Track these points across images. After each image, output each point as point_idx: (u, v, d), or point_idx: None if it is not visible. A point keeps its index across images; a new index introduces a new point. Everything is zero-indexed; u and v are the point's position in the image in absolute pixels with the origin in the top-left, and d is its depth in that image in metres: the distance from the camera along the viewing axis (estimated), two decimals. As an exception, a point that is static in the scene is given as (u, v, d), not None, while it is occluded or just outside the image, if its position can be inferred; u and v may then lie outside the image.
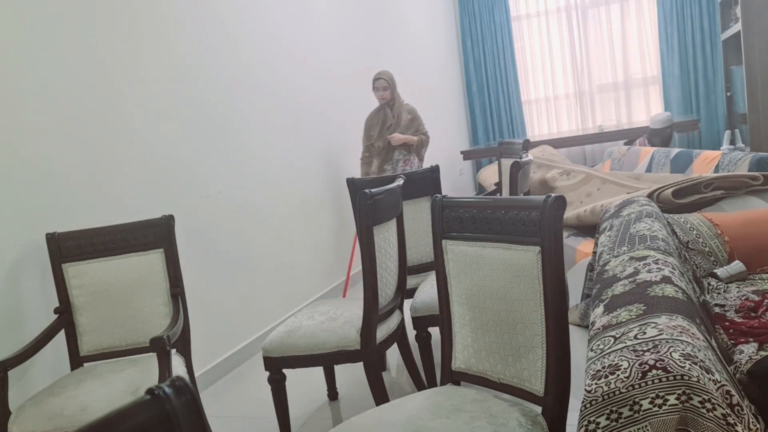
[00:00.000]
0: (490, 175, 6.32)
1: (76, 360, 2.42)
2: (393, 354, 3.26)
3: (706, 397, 1.08)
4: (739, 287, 2.13)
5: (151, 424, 0.69)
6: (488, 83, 8.28)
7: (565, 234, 3.35)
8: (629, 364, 1.16)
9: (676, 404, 1.08)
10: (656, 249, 1.89)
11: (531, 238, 1.57)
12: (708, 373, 1.13)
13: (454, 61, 8.26)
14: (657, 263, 1.74)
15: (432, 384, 2.63)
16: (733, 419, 1.08)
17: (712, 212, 2.83)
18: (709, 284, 2.21)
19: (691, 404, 1.08)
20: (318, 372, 3.19)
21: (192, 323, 2.61)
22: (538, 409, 1.58)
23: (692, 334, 1.26)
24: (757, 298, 1.97)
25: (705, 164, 3.97)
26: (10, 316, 2.38)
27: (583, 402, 1.17)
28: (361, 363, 2.31)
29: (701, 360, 1.15)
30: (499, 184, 4.70)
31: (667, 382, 1.10)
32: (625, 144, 6.23)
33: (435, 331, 3.01)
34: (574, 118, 8.16)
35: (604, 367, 1.20)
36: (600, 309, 1.57)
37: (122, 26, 2.98)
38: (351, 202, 3.18)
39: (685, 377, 1.10)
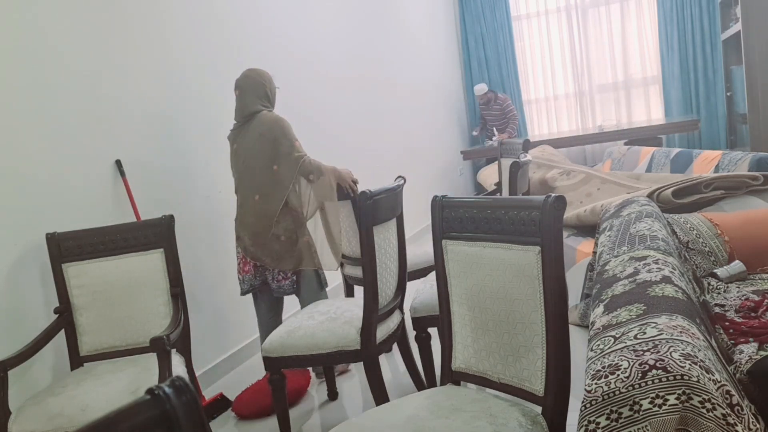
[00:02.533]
0: (490, 175, 6.32)
1: (76, 360, 2.42)
2: (393, 354, 3.26)
3: (706, 397, 1.08)
4: (739, 287, 2.13)
5: (151, 424, 0.69)
6: (488, 83, 8.28)
7: (565, 234, 3.35)
8: (629, 364, 1.16)
9: (676, 404, 1.08)
10: (656, 249, 1.89)
11: (531, 238, 1.57)
12: (708, 373, 1.13)
13: (454, 61, 8.26)
14: (657, 263, 1.74)
15: (432, 384, 2.63)
16: (733, 419, 1.08)
17: (712, 212, 2.83)
18: (709, 284, 2.21)
19: (691, 404, 1.08)
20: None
21: (192, 323, 2.61)
22: (538, 409, 1.58)
23: (692, 334, 1.26)
24: (757, 298, 1.97)
25: (705, 164, 3.97)
26: (10, 316, 2.38)
27: (583, 402, 1.17)
28: (361, 363, 2.32)
29: (701, 360, 1.15)
30: (499, 184, 4.70)
31: (667, 382, 1.10)
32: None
33: (435, 332, 3.01)
34: (574, 118, 8.16)
35: (604, 367, 1.20)
36: (600, 309, 1.57)
37: (121, 26, 2.98)
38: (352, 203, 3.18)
39: (685, 377, 1.10)
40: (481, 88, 7.57)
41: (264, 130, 2.91)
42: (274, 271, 2.96)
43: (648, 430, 1.08)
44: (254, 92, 2.99)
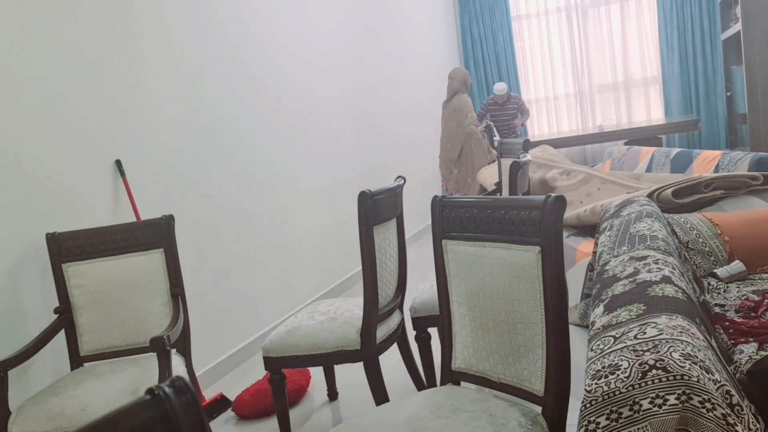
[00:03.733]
0: (490, 175, 6.31)
1: (76, 360, 2.42)
2: (393, 354, 3.26)
3: (706, 397, 1.08)
4: (739, 287, 2.13)
5: (151, 424, 0.69)
6: (488, 83, 8.28)
7: (565, 234, 3.34)
8: (629, 364, 1.16)
9: (676, 404, 1.08)
10: (656, 249, 1.89)
11: (531, 238, 1.57)
12: (708, 373, 1.13)
13: (454, 61, 8.26)
14: (657, 263, 1.74)
15: (432, 384, 2.64)
16: (733, 419, 1.08)
17: (712, 212, 2.83)
18: (709, 284, 2.21)
19: (691, 404, 1.08)
20: (318, 372, 3.19)
21: (192, 323, 2.61)
22: (538, 409, 1.58)
23: (692, 334, 1.26)
24: (757, 298, 1.97)
25: (705, 164, 3.97)
26: (10, 316, 2.38)
27: (583, 402, 1.17)
28: (361, 363, 2.32)
29: (701, 360, 1.15)
30: (499, 184, 4.70)
31: (667, 382, 1.10)
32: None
33: (434, 332, 3.00)
34: (574, 118, 8.17)
35: (604, 367, 1.20)
36: (600, 309, 1.57)
37: (122, 27, 2.98)
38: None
39: (685, 377, 1.10)
40: (502, 88, 7.18)
41: (457, 106, 5.63)
42: (448, 187, 5.75)
43: (648, 430, 1.08)
44: (457, 80, 5.69)
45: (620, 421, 1.11)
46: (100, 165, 2.82)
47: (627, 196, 3.01)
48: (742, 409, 1.11)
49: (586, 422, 1.14)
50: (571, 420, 1.58)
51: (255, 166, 3.87)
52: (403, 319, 2.62)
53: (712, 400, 1.08)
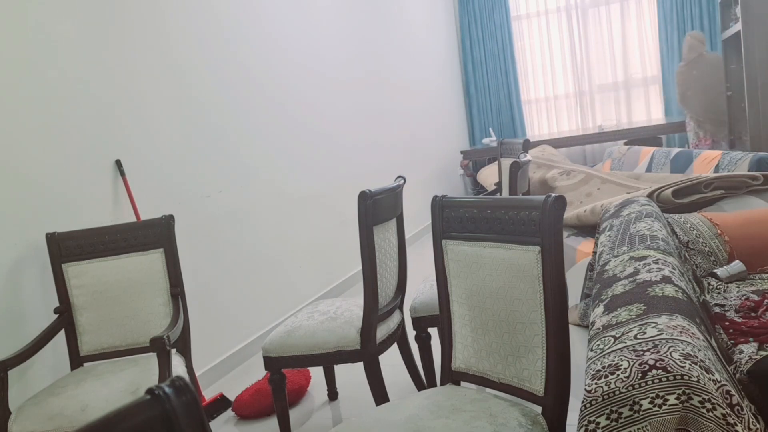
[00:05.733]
0: (490, 175, 6.32)
1: (76, 360, 2.42)
2: (393, 354, 3.27)
3: (706, 397, 1.08)
4: (739, 287, 2.13)
5: (151, 424, 0.69)
6: (488, 83, 8.28)
7: (565, 234, 3.34)
8: (629, 364, 1.16)
9: (676, 404, 1.08)
10: (656, 249, 1.89)
11: (531, 238, 1.58)
12: (708, 373, 1.13)
13: (454, 61, 8.26)
14: (657, 263, 1.74)
15: (432, 384, 2.64)
16: (733, 419, 1.08)
17: (712, 212, 2.83)
18: (709, 284, 2.21)
19: (691, 404, 1.08)
20: (318, 372, 3.19)
21: (192, 323, 2.61)
22: (538, 409, 1.58)
23: (692, 333, 1.26)
24: (757, 298, 1.97)
25: (705, 164, 3.97)
26: (10, 316, 2.38)
27: (583, 402, 1.17)
28: (361, 363, 2.31)
29: (701, 360, 1.15)
30: (499, 184, 4.70)
31: (667, 382, 1.10)
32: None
33: (434, 332, 3.00)
34: (574, 118, 8.17)
35: (604, 367, 1.20)
36: (600, 309, 1.57)
37: (122, 27, 2.98)
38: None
39: (685, 377, 1.10)
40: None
41: (712, 64, 6.03)
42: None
43: (648, 430, 1.08)
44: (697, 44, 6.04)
45: (620, 421, 1.11)
46: (100, 165, 2.82)
47: (627, 196, 3.01)
48: (742, 409, 1.11)
49: (586, 422, 1.14)
50: (571, 420, 1.58)
51: (255, 166, 3.87)
52: (403, 319, 2.62)
53: (712, 400, 1.08)
